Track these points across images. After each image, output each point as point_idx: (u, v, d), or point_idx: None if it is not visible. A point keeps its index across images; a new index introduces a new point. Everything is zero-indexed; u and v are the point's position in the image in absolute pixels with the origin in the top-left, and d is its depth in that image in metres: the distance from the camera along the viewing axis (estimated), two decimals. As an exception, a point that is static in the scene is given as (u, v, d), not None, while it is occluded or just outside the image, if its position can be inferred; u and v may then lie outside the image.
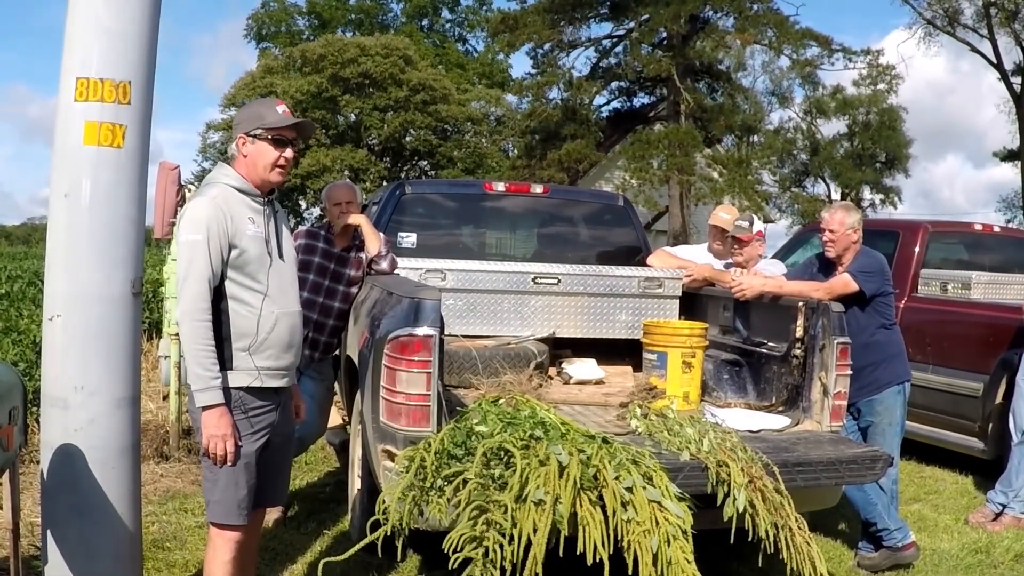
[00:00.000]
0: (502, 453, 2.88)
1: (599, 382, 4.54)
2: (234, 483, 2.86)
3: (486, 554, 2.59)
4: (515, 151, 29.27)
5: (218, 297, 2.83)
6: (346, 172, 27.55)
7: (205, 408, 2.78)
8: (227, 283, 2.85)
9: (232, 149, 2.98)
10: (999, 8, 26.25)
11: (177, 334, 5.57)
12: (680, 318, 4.77)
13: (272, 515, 4.31)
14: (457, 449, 2.93)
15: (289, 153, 2.95)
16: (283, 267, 2.99)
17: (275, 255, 2.95)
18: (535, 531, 2.62)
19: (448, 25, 42.52)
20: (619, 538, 2.74)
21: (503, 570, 2.59)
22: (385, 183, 24.37)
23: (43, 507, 2.98)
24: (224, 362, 2.83)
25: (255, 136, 2.91)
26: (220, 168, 3.00)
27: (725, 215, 5.24)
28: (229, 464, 2.83)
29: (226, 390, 2.81)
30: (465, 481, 2.76)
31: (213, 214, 2.80)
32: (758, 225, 4.98)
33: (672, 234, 22.25)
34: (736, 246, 4.89)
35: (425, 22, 41.60)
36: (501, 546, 2.59)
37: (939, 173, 63.58)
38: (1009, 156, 30.67)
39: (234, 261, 2.84)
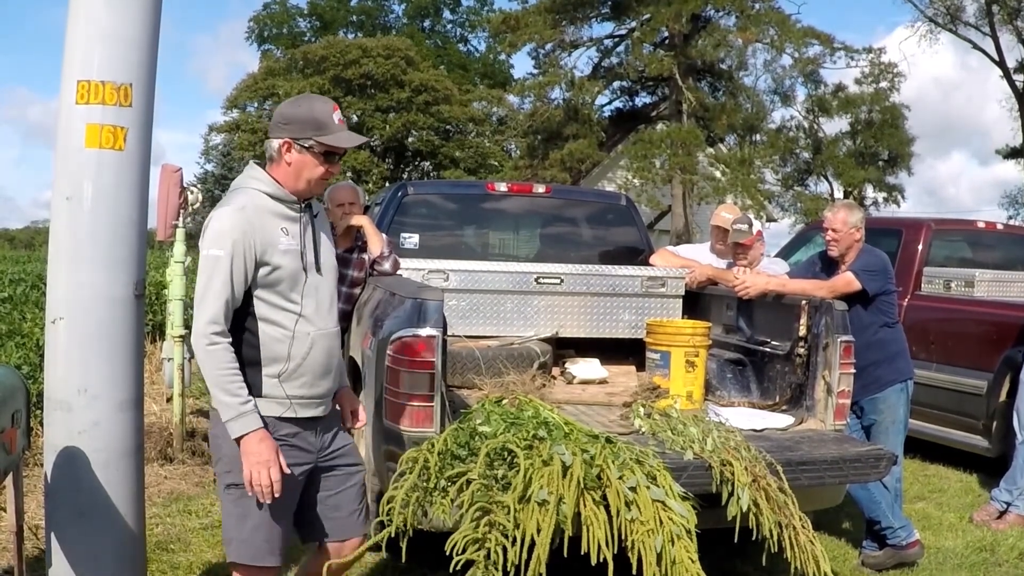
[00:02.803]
0: (505, 454, 2.88)
1: (602, 382, 4.54)
2: (268, 519, 2.50)
3: (488, 556, 2.59)
4: (517, 151, 29.26)
5: (246, 317, 2.50)
6: (348, 173, 27.55)
7: (242, 437, 2.42)
8: (256, 303, 2.50)
9: (272, 150, 2.58)
10: (1001, 6, 26.18)
11: (180, 336, 5.62)
12: (683, 317, 4.77)
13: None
14: (460, 450, 2.93)
15: (335, 167, 2.62)
16: (320, 282, 2.61)
17: (312, 269, 2.57)
18: (539, 531, 2.62)
19: (449, 26, 42.63)
20: (623, 538, 2.74)
21: (506, 571, 2.59)
22: (387, 184, 24.36)
23: (47, 510, 2.98)
24: (251, 388, 2.47)
25: (306, 147, 2.53)
26: (251, 170, 2.62)
27: (728, 215, 5.23)
28: (276, 495, 2.43)
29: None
30: (468, 482, 2.76)
31: (240, 227, 2.45)
32: (756, 225, 4.97)
33: (675, 233, 22.23)
34: (739, 251, 4.88)
35: (427, 23, 41.64)
36: (504, 548, 2.59)
37: (944, 170, 63.42)
38: (1012, 154, 30.59)
39: (264, 279, 2.49)
